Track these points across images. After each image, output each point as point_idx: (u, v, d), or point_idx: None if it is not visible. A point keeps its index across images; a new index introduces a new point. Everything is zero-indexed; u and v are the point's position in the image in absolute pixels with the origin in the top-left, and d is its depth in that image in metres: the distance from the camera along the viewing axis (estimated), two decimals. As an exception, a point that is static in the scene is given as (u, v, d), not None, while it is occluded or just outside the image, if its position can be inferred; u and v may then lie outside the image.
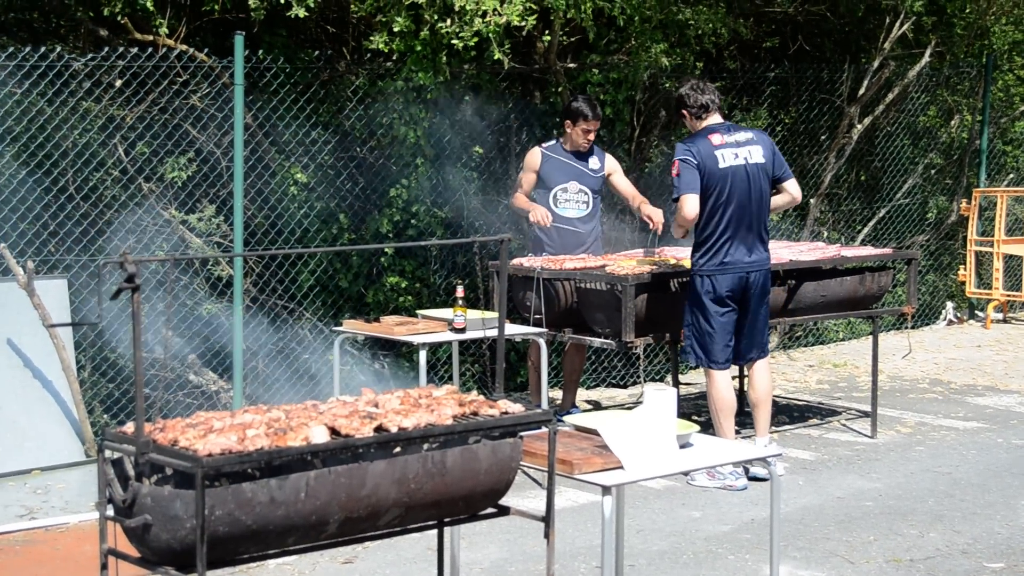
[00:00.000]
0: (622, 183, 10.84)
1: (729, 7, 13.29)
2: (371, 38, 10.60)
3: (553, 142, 10.63)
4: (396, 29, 10.37)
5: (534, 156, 10.52)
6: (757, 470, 9.16)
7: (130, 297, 4.62)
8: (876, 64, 14.65)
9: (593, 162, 10.56)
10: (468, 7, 9.95)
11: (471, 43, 10.17)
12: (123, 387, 10.79)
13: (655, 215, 10.43)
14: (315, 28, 12.17)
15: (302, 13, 10.10)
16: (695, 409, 11.51)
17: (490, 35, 10.10)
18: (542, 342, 9.63)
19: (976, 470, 9.69)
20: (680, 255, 10.05)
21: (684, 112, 9.31)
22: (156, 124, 10.89)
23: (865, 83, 14.52)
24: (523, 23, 10.04)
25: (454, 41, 10.16)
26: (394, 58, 11.30)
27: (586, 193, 10.50)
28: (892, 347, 14.21)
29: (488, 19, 9.99)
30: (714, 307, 9.08)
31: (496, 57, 10.24)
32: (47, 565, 7.52)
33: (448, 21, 10.14)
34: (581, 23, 11.03)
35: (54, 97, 10.34)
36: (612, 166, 10.78)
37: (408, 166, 11.53)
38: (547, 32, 10.64)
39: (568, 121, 10.45)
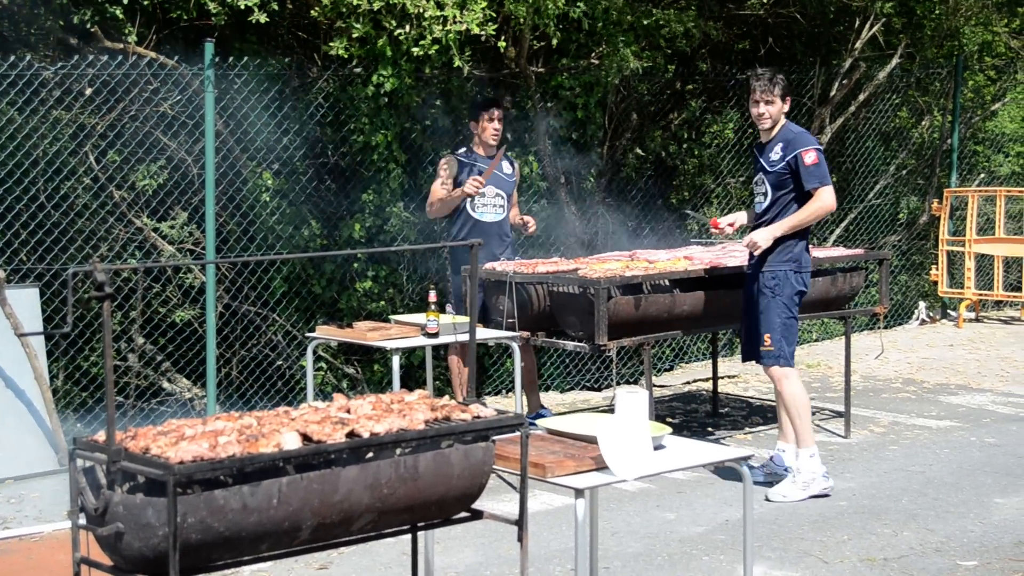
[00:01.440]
0: (514, 194, 10.95)
1: (700, 10, 13.32)
2: (331, 43, 10.60)
3: (464, 150, 10.65)
4: (355, 35, 10.37)
5: (451, 163, 10.53)
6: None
7: (101, 305, 4.61)
8: (847, 66, 14.71)
9: (505, 167, 10.66)
10: (427, 14, 9.96)
11: (431, 50, 10.18)
12: (96, 395, 10.77)
13: (527, 220, 10.74)
14: (285, 34, 12.16)
15: (263, 19, 10.11)
16: (669, 411, 11.54)
17: (450, 42, 10.11)
18: (515, 346, 9.64)
19: (949, 469, 9.72)
20: (653, 258, 10.07)
21: (788, 98, 9.09)
22: (127, 132, 10.88)
23: (836, 85, 14.58)
24: (482, 31, 10.05)
25: (414, 48, 10.16)
26: (361, 65, 11.30)
27: (502, 196, 10.59)
28: (865, 347, 14.25)
29: (447, 26, 10.00)
30: (798, 304, 9.05)
31: (456, 64, 10.24)
32: (21, 574, 7.49)
33: (407, 27, 10.14)
34: (545, 29, 11.05)
35: (24, 106, 10.33)
36: (518, 174, 10.91)
37: (380, 171, 11.53)
38: (503, 39, 10.63)
39: (473, 122, 10.54)
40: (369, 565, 7.58)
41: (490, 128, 10.47)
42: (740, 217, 9.43)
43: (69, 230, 10.60)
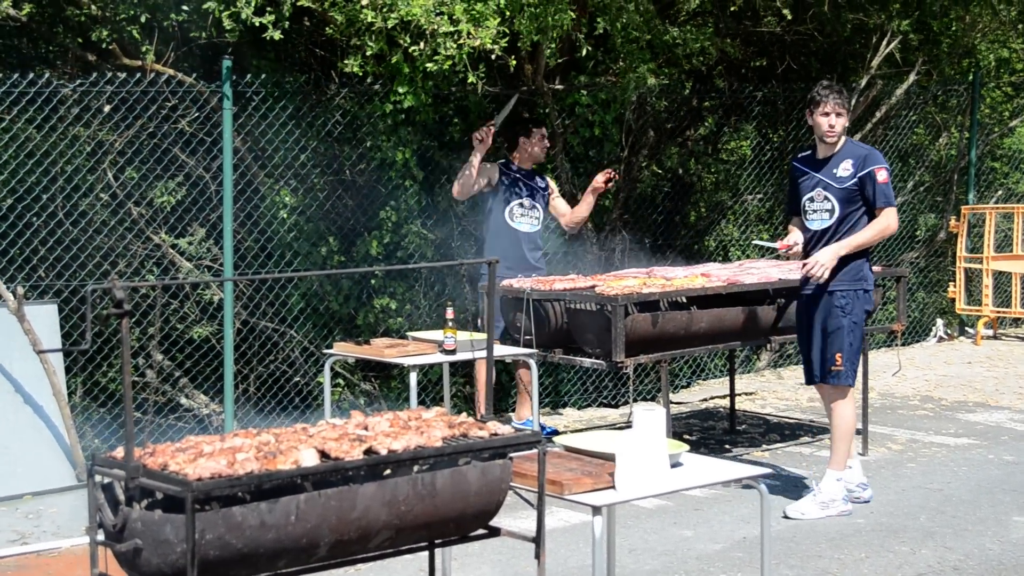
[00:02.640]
0: (560, 203, 11.15)
1: (716, 27, 13.32)
2: (346, 60, 10.62)
3: (503, 161, 10.81)
4: (369, 53, 10.39)
5: (495, 170, 10.72)
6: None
7: (119, 322, 4.63)
8: (864, 83, 14.68)
9: (539, 181, 10.87)
10: (440, 31, 9.98)
11: (445, 67, 10.20)
12: (114, 411, 10.79)
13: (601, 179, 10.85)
14: (303, 52, 12.18)
15: (277, 36, 10.12)
16: (686, 428, 11.53)
17: (464, 58, 10.13)
18: (532, 363, 9.65)
19: (967, 487, 9.69)
20: (670, 275, 10.06)
21: (850, 111, 9.08)
22: (145, 149, 10.90)
23: (853, 102, 14.56)
24: (494, 46, 10.07)
25: (428, 64, 10.19)
26: (378, 82, 11.32)
27: (537, 209, 10.77)
28: (883, 364, 14.22)
29: (461, 42, 10.01)
30: (864, 323, 9.02)
31: (470, 80, 10.27)
32: (39, 591, 7.52)
33: (422, 44, 10.16)
34: (549, 46, 11.07)
35: (43, 123, 10.35)
36: (553, 186, 11.14)
37: (397, 188, 11.54)
38: (512, 57, 10.65)
39: (522, 137, 10.67)
40: (386, 582, 7.59)
41: (541, 145, 10.74)
42: (799, 236, 9.34)
43: (87, 246, 10.62)
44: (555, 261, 12.18)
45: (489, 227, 10.80)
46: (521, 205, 10.74)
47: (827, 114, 8.87)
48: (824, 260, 8.75)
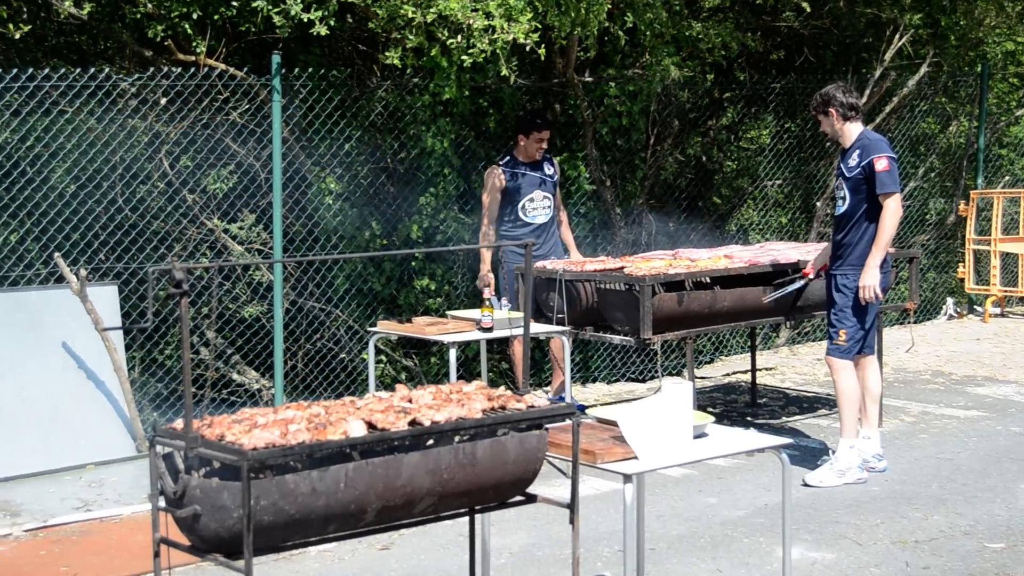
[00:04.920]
0: (557, 196, 11.08)
1: (737, 22, 13.28)
2: (387, 53, 10.62)
3: (508, 157, 10.79)
4: (409, 45, 10.39)
5: (498, 177, 10.69)
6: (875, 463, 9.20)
7: (177, 301, 4.64)
8: (877, 75, 14.62)
9: (547, 168, 10.82)
10: (476, 25, 9.96)
11: (479, 60, 10.18)
12: (171, 386, 10.82)
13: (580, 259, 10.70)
14: (346, 46, 12.19)
15: (324, 31, 10.11)
16: (710, 402, 11.51)
17: (498, 51, 10.11)
18: (565, 340, 9.64)
19: (977, 456, 9.66)
20: (695, 257, 10.05)
21: (832, 110, 8.97)
22: (199, 139, 10.92)
23: (867, 92, 14.49)
24: (527, 40, 10.05)
25: (463, 57, 10.17)
26: (418, 75, 11.33)
27: (548, 198, 10.79)
28: (896, 341, 14.17)
29: (495, 36, 10.00)
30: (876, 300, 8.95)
31: (503, 73, 10.25)
32: (102, 554, 7.54)
33: (459, 37, 10.15)
34: (586, 41, 11.04)
35: (103, 115, 10.38)
36: (558, 171, 11.14)
37: (436, 176, 11.54)
38: (542, 48, 10.61)
39: (521, 135, 10.63)
40: (428, 546, 7.60)
41: (537, 146, 10.64)
42: (822, 259, 9.35)
43: (145, 231, 10.65)
44: (585, 244, 12.16)
45: (507, 223, 10.76)
46: (531, 200, 10.72)
47: (818, 120, 9.16)
48: (869, 283, 8.74)
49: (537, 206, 10.72)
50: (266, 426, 4.71)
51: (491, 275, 10.63)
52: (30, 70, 9.85)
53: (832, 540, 7.71)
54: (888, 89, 15.10)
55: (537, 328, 9.51)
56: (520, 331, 9.22)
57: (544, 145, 10.74)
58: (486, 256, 10.70)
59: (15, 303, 9.56)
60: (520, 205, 10.66)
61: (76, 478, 9.19)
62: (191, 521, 4.61)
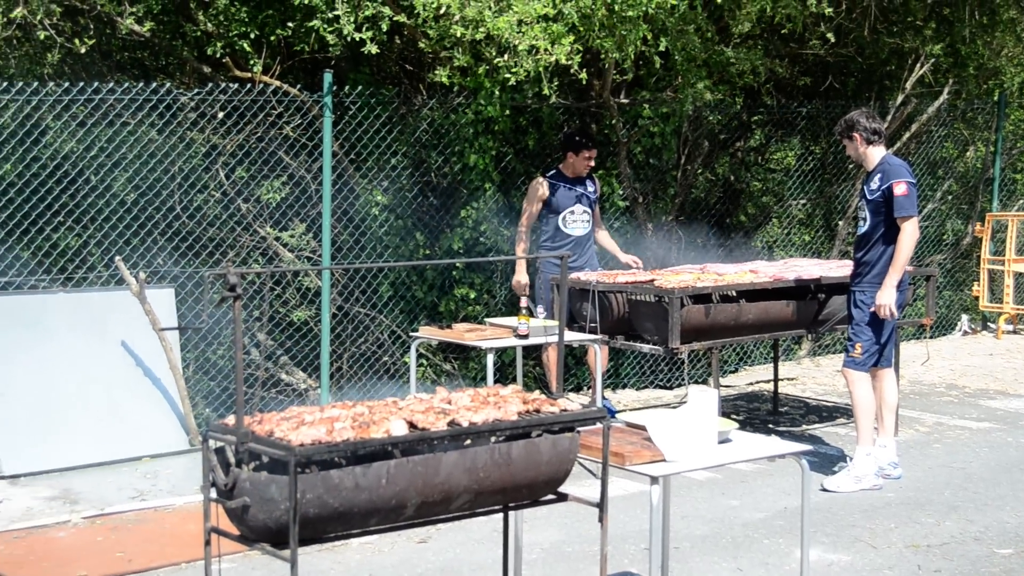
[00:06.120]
0: (597, 211, 11.07)
1: (767, 49, 13.26)
2: (436, 71, 10.64)
3: (554, 171, 10.78)
4: (456, 64, 10.40)
5: (542, 187, 10.68)
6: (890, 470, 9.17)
7: (231, 304, 4.66)
8: (899, 101, 14.57)
9: (589, 185, 10.79)
10: (521, 46, 9.98)
11: (522, 79, 10.19)
12: (222, 384, 10.86)
13: (635, 260, 10.84)
14: (394, 66, 12.23)
15: (374, 50, 10.14)
16: (733, 409, 11.48)
17: (540, 71, 10.12)
18: (597, 347, 9.64)
19: (988, 466, 9.61)
20: (722, 271, 10.04)
21: (856, 135, 8.95)
22: (253, 151, 10.97)
23: (889, 118, 14.43)
24: (569, 62, 10.05)
25: (507, 76, 10.19)
26: (462, 95, 11.35)
27: (588, 213, 10.76)
28: (912, 355, 14.10)
29: (539, 56, 10.00)
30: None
31: (545, 92, 10.26)
32: (156, 541, 7.57)
33: (505, 56, 10.16)
34: (623, 64, 11.04)
35: (163, 127, 10.44)
36: (599, 190, 11.06)
37: (477, 190, 11.56)
38: (583, 72, 10.59)
39: (570, 152, 10.61)
40: (464, 540, 7.60)
41: (585, 163, 10.62)
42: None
43: (201, 237, 10.69)
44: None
45: (546, 234, 10.77)
46: (572, 212, 10.73)
47: (843, 143, 9.16)
48: (885, 301, 8.71)
49: (577, 219, 10.72)
50: (313, 424, 4.72)
51: (525, 280, 10.64)
52: (95, 84, 9.91)
53: (848, 543, 7.68)
54: (909, 115, 15.05)
55: (571, 336, 9.51)
56: (554, 338, 9.23)
57: (591, 163, 10.76)
58: (521, 264, 10.72)
59: (78, 303, 9.62)
60: (561, 217, 10.67)
61: (132, 469, 9.23)
62: (241, 512, 4.63)
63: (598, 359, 9.72)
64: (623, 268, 10.77)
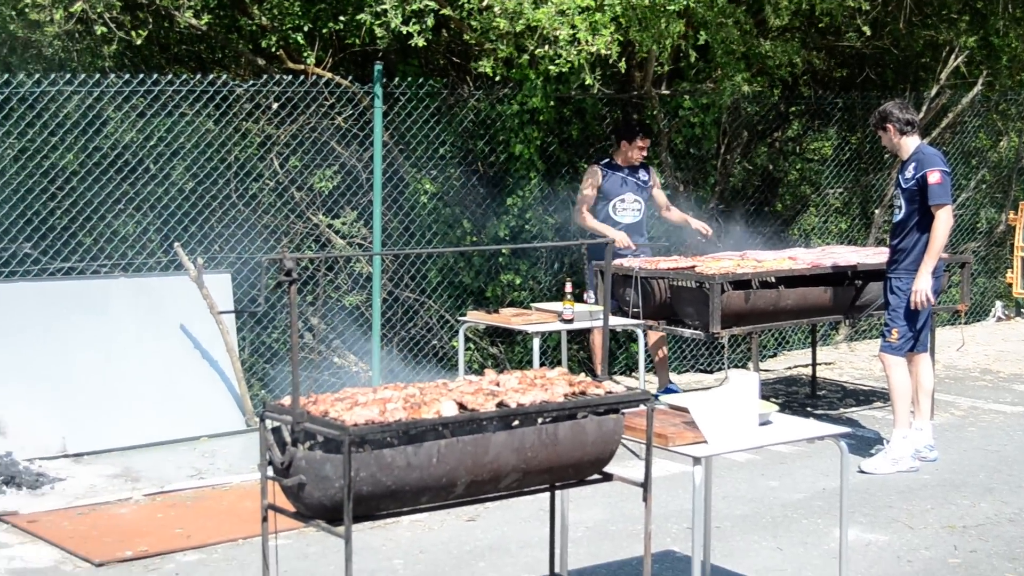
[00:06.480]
0: (660, 195, 11.06)
1: (804, 41, 13.18)
2: (480, 62, 10.63)
3: (608, 159, 10.74)
4: (500, 55, 10.39)
5: (596, 174, 10.64)
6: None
7: (286, 288, 4.67)
8: (933, 92, 14.46)
9: (643, 175, 10.73)
10: (561, 36, 9.94)
11: (564, 69, 10.16)
12: (277, 366, 10.88)
13: (705, 227, 10.88)
14: (441, 58, 12.21)
15: (422, 42, 10.12)
16: (772, 393, 11.43)
17: (582, 63, 10.08)
18: (640, 332, 9.61)
19: (1022, 448, 9.54)
20: (761, 258, 10.00)
21: (889, 126, 8.91)
22: (306, 141, 10.98)
23: (924, 109, 14.32)
24: (608, 52, 10.01)
25: (550, 67, 10.16)
26: (508, 85, 11.33)
27: (639, 202, 10.72)
28: (947, 340, 14.00)
29: (580, 48, 9.97)
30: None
31: (587, 82, 10.23)
32: (213, 518, 7.60)
33: (546, 47, 10.13)
34: (660, 56, 10.99)
35: (219, 118, 10.46)
36: (656, 179, 10.92)
37: (522, 179, 11.53)
38: (623, 62, 10.51)
39: (624, 140, 10.57)
40: (511, 519, 7.60)
41: (639, 152, 10.56)
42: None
43: (256, 224, 10.71)
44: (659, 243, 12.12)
45: (597, 219, 10.75)
46: (623, 200, 10.70)
47: (878, 134, 9.12)
48: (921, 287, 8.66)
49: (627, 207, 10.69)
50: (366, 404, 4.73)
51: (622, 235, 10.57)
52: (154, 76, 9.95)
53: (885, 523, 7.64)
54: (943, 106, 14.93)
55: (615, 321, 9.48)
56: (598, 323, 9.20)
57: (644, 152, 10.72)
58: (601, 227, 10.63)
59: (138, 288, 9.67)
60: (612, 204, 10.64)
61: (190, 448, 9.27)
62: (296, 490, 4.64)
63: (640, 343, 9.70)
64: (694, 236, 11.01)
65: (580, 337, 11.91)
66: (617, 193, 10.68)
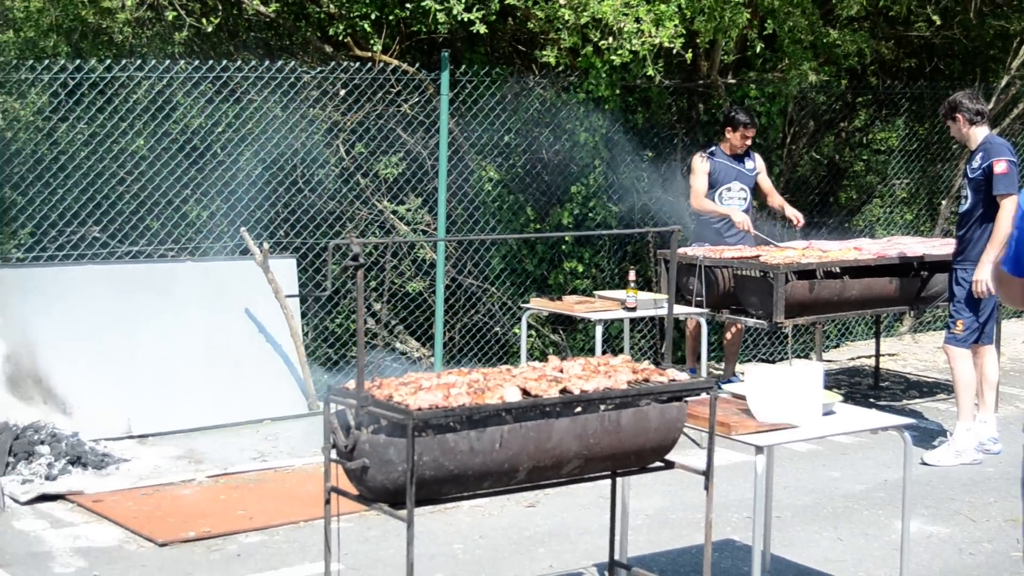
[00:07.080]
0: (765, 181, 10.87)
1: (872, 31, 13.08)
2: (544, 51, 10.62)
3: (714, 148, 10.66)
4: (564, 46, 10.38)
5: (704, 162, 10.54)
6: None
7: (352, 273, 4.69)
8: (1003, 83, 14.32)
9: (748, 163, 10.61)
10: (626, 28, 9.93)
11: (627, 60, 10.14)
12: (340, 351, 10.95)
13: (798, 216, 10.56)
14: (507, 46, 12.22)
15: (483, 29, 10.15)
16: (835, 383, 11.36)
17: (645, 54, 10.07)
18: (703, 320, 9.59)
19: (1087, 443, 9.44)
20: (826, 248, 9.95)
21: (959, 116, 8.84)
22: (372, 128, 11.02)
23: (993, 99, 14.18)
24: (672, 44, 9.99)
25: (613, 57, 10.14)
26: (573, 74, 11.33)
27: (745, 190, 10.57)
28: (1013, 333, 13.87)
29: (643, 39, 9.95)
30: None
31: (649, 73, 10.21)
32: (276, 500, 7.66)
33: (610, 39, 10.11)
34: (725, 46, 10.94)
35: (287, 104, 10.52)
36: (761, 165, 10.83)
37: (587, 167, 11.53)
38: (688, 52, 10.46)
39: (729, 128, 10.46)
40: (571, 505, 7.61)
41: (743, 141, 10.47)
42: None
43: (322, 210, 10.78)
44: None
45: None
46: (729, 189, 10.62)
47: (947, 124, 9.07)
48: (982, 277, 8.59)
49: (733, 196, 10.59)
50: (430, 389, 4.75)
51: (744, 217, 10.53)
52: (223, 62, 10.03)
53: (947, 516, 7.59)
54: (1013, 96, 14.78)
55: (678, 310, 9.46)
56: (662, 311, 9.19)
57: (749, 141, 10.63)
58: (722, 209, 10.49)
59: (204, 272, 9.75)
60: (718, 192, 10.56)
61: (254, 431, 9.35)
62: (360, 473, 4.67)
63: (703, 332, 9.67)
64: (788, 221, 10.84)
65: (642, 326, 11.89)
66: (723, 182, 10.60)
